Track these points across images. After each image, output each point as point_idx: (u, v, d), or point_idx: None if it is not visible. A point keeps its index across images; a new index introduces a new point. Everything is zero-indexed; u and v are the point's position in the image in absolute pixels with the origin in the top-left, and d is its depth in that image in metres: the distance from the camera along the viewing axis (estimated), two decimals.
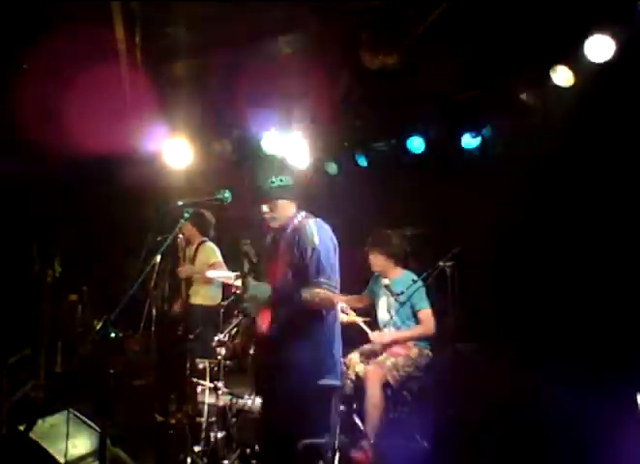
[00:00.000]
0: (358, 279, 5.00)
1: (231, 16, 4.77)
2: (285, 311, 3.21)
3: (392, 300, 4.65)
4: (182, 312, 5.84)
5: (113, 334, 2.81)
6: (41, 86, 5.08)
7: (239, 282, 4.71)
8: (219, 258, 5.74)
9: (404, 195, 6.21)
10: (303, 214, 3.41)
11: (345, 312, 4.64)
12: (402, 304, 4.48)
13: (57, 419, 3.88)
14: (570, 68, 4.63)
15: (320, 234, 3.26)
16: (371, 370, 4.44)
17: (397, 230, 5.05)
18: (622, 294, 4.73)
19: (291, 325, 3.20)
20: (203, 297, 5.74)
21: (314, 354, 3.22)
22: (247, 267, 3.39)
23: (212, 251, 5.78)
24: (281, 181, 3.33)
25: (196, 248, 5.81)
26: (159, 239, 3.44)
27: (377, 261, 4.83)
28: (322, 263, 3.17)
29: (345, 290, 3.87)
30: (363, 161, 6.31)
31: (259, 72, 5.26)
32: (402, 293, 4.41)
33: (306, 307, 3.16)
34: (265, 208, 3.37)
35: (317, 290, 3.15)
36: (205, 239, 5.84)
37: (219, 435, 4.31)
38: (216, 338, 4.28)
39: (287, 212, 3.38)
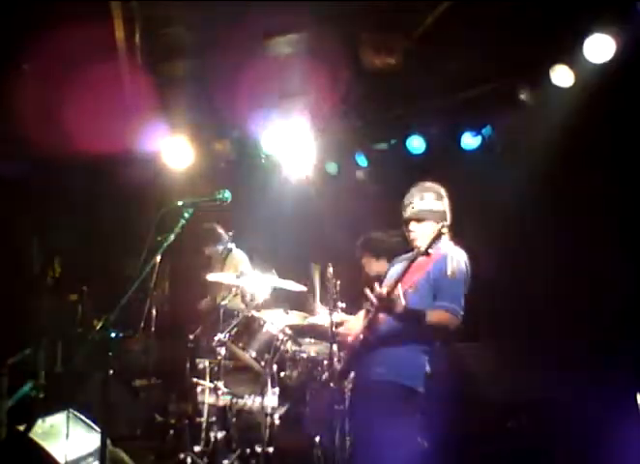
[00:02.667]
0: (358, 280, 5.00)
1: (231, 17, 4.76)
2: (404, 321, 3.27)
3: None
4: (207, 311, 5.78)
5: (113, 334, 2.80)
6: (40, 86, 5.07)
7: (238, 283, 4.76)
8: (248, 266, 5.54)
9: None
10: (448, 241, 3.47)
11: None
12: None
13: (57, 419, 3.87)
14: (570, 68, 4.63)
15: (465, 265, 3.38)
16: None
17: (392, 231, 5.00)
18: (622, 294, 4.73)
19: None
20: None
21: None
22: None
23: (240, 261, 5.64)
24: (432, 205, 3.50)
25: (226, 257, 5.68)
26: (159, 239, 3.43)
27: (370, 266, 4.73)
28: (455, 291, 3.31)
29: (345, 290, 3.87)
30: (363, 161, 6.30)
31: (259, 71, 5.26)
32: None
33: (425, 324, 3.23)
34: (413, 226, 3.52)
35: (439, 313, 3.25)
36: (231, 247, 5.69)
37: (219, 435, 4.32)
38: (215, 338, 4.29)
39: (433, 233, 3.39)
